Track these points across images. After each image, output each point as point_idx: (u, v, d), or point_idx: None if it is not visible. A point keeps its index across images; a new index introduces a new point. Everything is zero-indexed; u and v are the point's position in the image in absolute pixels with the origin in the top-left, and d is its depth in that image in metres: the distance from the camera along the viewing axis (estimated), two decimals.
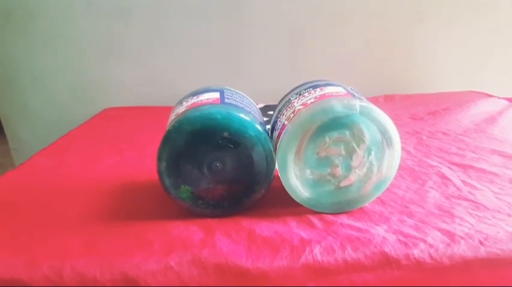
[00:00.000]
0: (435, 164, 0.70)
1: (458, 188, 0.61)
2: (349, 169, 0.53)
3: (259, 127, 0.53)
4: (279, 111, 0.58)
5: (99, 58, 1.30)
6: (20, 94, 1.35)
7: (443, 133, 0.87)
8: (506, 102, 1.07)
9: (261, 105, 1.08)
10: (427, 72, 1.36)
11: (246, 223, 0.53)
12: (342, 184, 0.54)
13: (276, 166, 0.53)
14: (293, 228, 0.51)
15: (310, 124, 0.50)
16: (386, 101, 1.20)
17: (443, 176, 0.65)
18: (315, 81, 0.59)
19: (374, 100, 0.52)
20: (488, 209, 0.54)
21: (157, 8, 1.25)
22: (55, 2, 1.24)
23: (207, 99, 0.56)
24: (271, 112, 0.63)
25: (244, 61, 1.33)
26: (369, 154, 0.53)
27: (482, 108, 1.03)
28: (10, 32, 1.27)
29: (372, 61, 1.33)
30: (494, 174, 0.65)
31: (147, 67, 1.32)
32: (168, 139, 0.51)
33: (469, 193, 0.59)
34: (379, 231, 0.50)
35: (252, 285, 0.45)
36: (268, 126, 0.59)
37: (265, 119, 0.61)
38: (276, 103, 0.61)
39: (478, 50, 1.34)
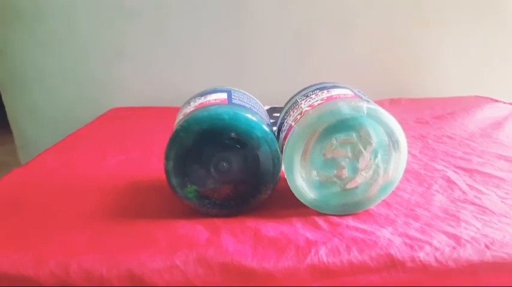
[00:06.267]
0: (441, 168, 0.70)
1: (464, 192, 0.61)
2: (355, 171, 0.53)
3: (266, 128, 0.53)
4: (286, 112, 0.58)
5: (106, 58, 1.31)
6: (27, 93, 1.36)
7: (449, 137, 0.87)
8: (511, 107, 1.07)
9: (267, 107, 1.07)
10: (433, 76, 1.36)
11: (251, 223, 0.53)
12: (348, 186, 0.54)
13: (282, 167, 0.54)
14: (299, 229, 0.51)
15: (317, 126, 0.51)
16: (391, 105, 1.20)
17: (449, 180, 0.65)
18: (322, 83, 0.59)
19: (379, 104, 0.52)
20: (494, 213, 0.54)
21: (164, 9, 1.26)
22: (63, 2, 1.25)
23: (215, 99, 0.56)
24: (276, 114, 0.63)
25: (250, 63, 1.33)
26: (376, 157, 0.53)
27: (487, 113, 1.03)
28: (18, 31, 1.28)
29: (377, 65, 1.34)
30: (500, 179, 0.65)
31: (154, 68, 1.33)
32: (176, 138, 0.51)
33: (475, 197, 0.59)
34: (385, 233, 0.50)
35: (257, 285, 0.45)
36: (275, 128, 0.59)
37: (271, 121, 0.61)
38: (282, 106, 0.61)
39: (484, 55, 1.34)
